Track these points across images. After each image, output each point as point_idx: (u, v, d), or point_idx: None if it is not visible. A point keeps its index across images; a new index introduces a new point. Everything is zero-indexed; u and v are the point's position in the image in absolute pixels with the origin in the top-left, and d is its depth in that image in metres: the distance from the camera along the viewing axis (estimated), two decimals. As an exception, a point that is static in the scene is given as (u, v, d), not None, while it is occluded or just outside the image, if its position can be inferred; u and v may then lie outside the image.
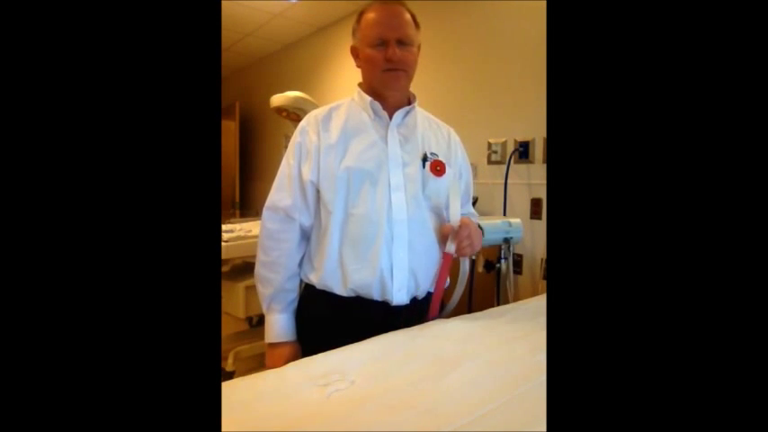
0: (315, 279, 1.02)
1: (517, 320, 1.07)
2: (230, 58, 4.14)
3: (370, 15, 1.03)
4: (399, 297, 1.00)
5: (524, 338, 0.91)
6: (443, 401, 0.66)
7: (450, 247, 1.05)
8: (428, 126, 1.14)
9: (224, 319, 1.84)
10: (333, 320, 1.01)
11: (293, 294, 1.05)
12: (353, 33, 1.07)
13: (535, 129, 1.96)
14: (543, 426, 0.55)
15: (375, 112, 1.06)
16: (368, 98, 1.05)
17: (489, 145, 2.15)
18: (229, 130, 4.25)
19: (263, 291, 1.03)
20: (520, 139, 2.01)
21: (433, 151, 1.09)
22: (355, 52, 1.08)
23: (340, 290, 1.00)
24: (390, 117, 1.06)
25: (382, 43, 1.00)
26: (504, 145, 2.10)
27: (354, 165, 1.00)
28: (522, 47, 2.02)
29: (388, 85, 1.03)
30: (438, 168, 1.06)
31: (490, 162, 2.15)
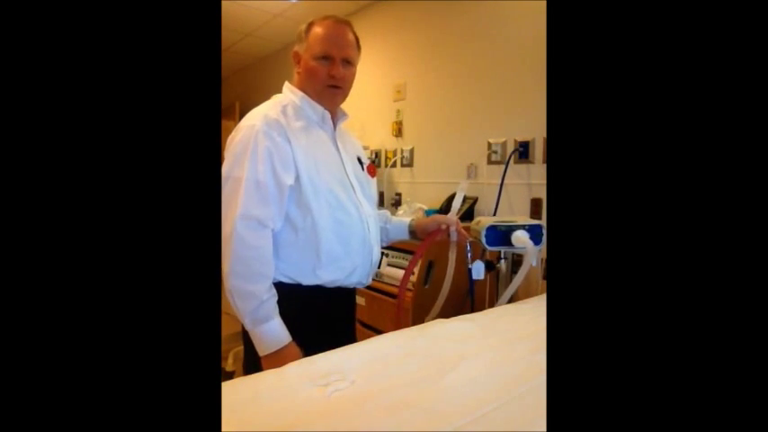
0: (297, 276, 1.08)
1: (517, 320, 1.07)
2: (230, 58, 4.14)
3: (320, 30, 1.10)
4: (368, 279, 1.19)
5: (524, 338, 0.91)
6: (443, 401, 0.66)
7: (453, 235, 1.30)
8: (346, 132, 1.26)
9: (224, 319, 1.83)
10: (326, 309, 1.11)
11: (275, 298, 1.02)
12: (299, 40, 1.13)
13: (535, 129, 1.95)
14: (543, 426, 0.55)
15: (323, 120, 1.15)
16: (321, 109, 1.13)
17: (489, 145, 2.14)
18: (229, 131, 4.23)
19: (244, 305, 0.98)
20: (520, 139, 2.01)
21: (359, 155, 1.23)
22: (297, 58, 1.14)
23: (327, 282, 1.09)
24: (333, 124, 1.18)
25: (326, 58, 1.09)
26: (504, 145, 2.10)
27: (327, 170, 1.09)
28: (522, 47, 2.02)
29: (326, 100, 1.13)
30: (371, 170, 1.25)
31: (490, 162, 2.15)
